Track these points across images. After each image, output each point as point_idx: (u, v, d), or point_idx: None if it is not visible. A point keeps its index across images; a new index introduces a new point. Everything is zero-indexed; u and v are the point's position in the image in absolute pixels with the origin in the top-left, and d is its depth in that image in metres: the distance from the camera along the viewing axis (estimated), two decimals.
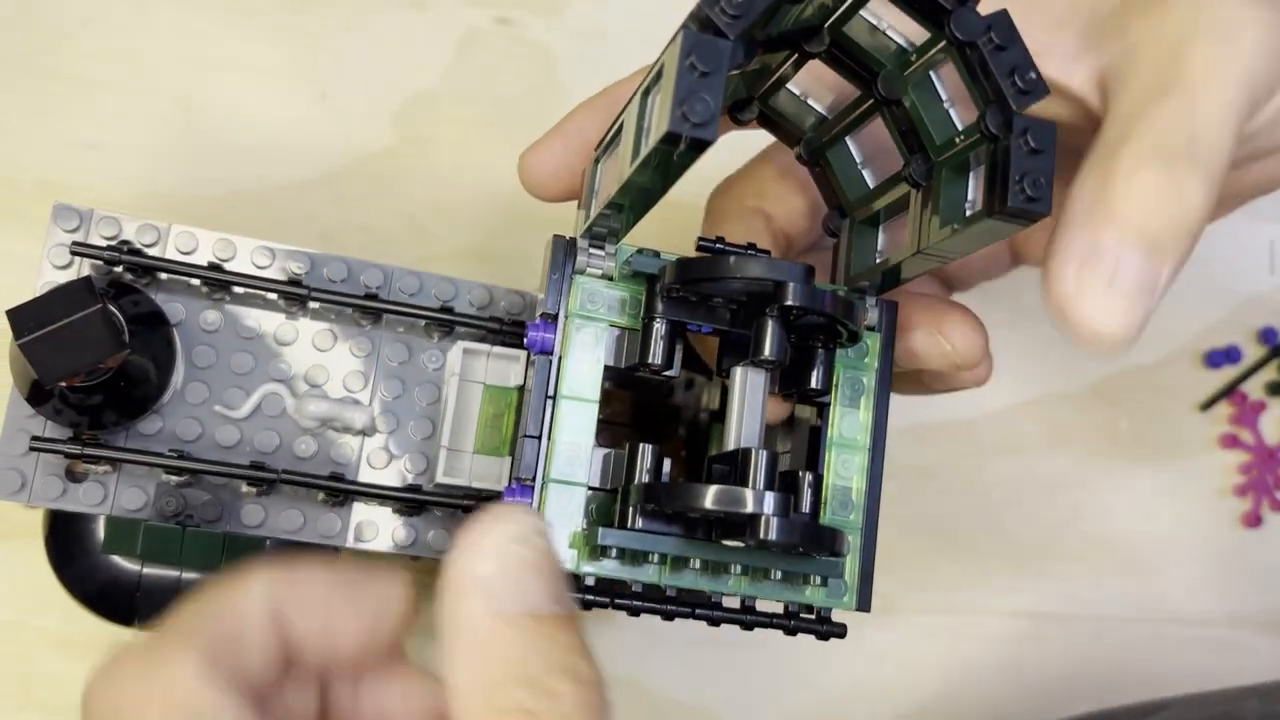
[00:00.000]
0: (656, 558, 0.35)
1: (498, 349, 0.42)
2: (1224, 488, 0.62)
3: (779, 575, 0.35)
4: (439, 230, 0.55)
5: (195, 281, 0.41)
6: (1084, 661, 0.58)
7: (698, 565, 0.35)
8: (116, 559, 0.41)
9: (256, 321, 0.42)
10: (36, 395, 0.38)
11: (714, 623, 0.36)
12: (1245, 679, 0.57)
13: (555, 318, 0.37)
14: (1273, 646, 0.60)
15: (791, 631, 0.36)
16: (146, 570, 0.41)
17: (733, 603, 0.36)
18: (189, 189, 0.52)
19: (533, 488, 0.36)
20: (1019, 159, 0.31)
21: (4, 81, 0.50)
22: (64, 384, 0.36)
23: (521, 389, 0.42)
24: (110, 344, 0.35)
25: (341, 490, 0.40)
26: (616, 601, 0.35)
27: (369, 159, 0.53)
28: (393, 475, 0.42)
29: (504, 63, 0.52)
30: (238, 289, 0.41)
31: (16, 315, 0.34)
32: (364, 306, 0.42)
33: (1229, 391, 0.63)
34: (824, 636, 0.37)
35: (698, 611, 0.36)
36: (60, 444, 0.38)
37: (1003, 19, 0.31)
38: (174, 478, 0.39)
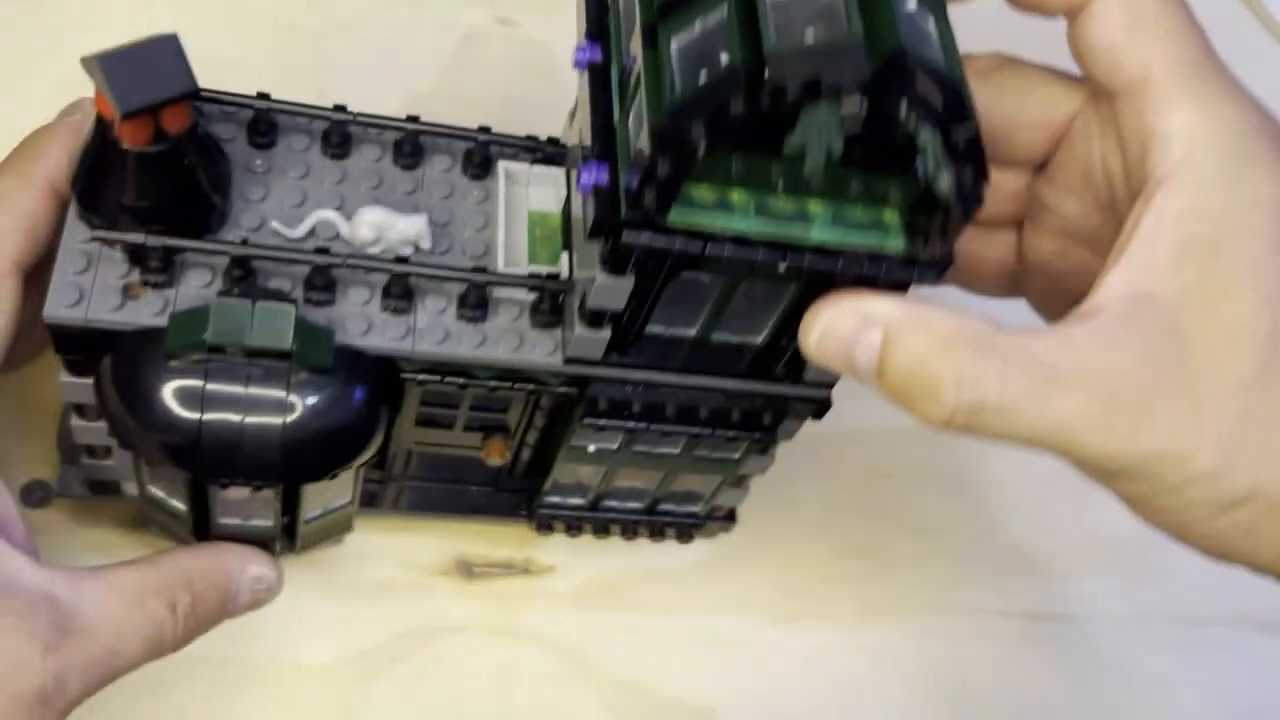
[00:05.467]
0: (738, 199, 0.36)
1: (538, 167, 0.44)
2: None
3: (859, 190, 0.36)
4: None
5: (240, 136, 0.43)
6: (1084, 661, 0.58)
7: (780, 206, 0.36)
8: (176, 410, 0.39)
9: (304, 164, 0.43)
10: (94, 197, 0.38)
11: (789, 274, 0.36)
12: (1245, 679, 0.57)
13: (597, 37, 0.39)
14: (1273, 646, 0.60)
15: None
16: (207, 416, 0.39)
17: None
18: None
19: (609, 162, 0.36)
20: (939, 220, 0.35)
21: (4, 82, 0.51)
22: (133, 144, 0.37)
23: (564, 213, 0.44)
24: (185, 77, 0.36)
25: (405, 274, 0.40)
26: (708, 251, 0.35)
27: None
28: (449, 293, 0.42)
29: (504, 63, 0.54)
30: (281, 140, 0.43)
31: (101, 55, 0.35)
32: (405, 128, 0.44)
33: None
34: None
35: (788, 256, 0.36)
36: (125, 234, 0.38)
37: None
38: (235, 290, 0.39)
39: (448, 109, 0.49)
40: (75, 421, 0.43)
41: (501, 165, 0.44)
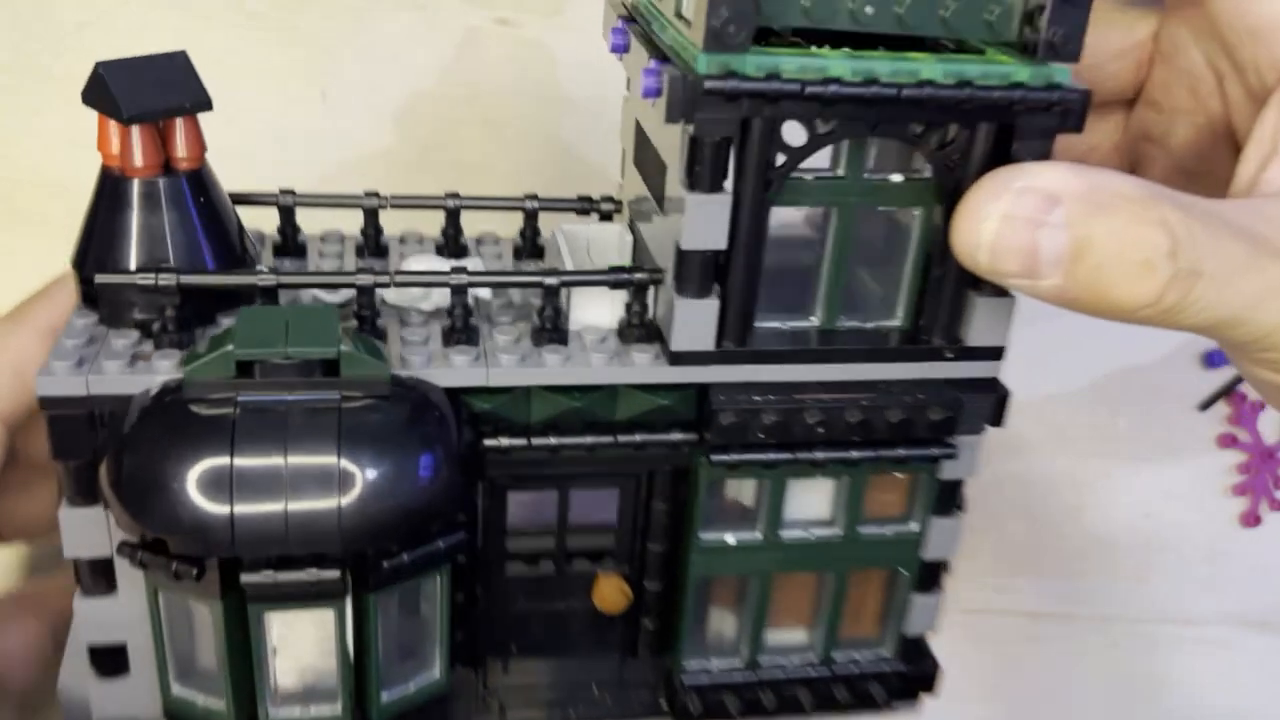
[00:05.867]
0: (827, 53, 0.31)
1: (597, 226, 0.40)
2: (1223, 487, 0.61)
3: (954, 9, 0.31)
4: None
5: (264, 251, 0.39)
6: (1083, 661, 0.58)
7: (874, 56, 0.31)
8: (199, 503, 0.30)
9: (338, 263, 0.39)
10: (98, 260, 0.33)
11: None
12: (1243, 679, 0.57)
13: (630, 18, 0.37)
14: (1272, 646, 0.59)
15: None
16: (240, 509, 0.30)
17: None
18: None
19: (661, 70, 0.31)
20: (1054, 9, 0.31)
21: (4, 83, 0.49)
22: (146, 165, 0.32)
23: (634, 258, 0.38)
24: (196, 90, 0.33)
25: (463, 286, 0.34)
26: (808, 90, 0.30)
27: (369, 159, 0.51)
28: (519, 327, 0.35)
29: (504, 63, 0.52)
30: (311, 249, 0.39)
31: (103, 63, 0.32)
32: (445, 206, 0.39)
33: (1228, 391, 0.62)
34: None
35: (903, 92, 0.30)
36: (132, 276, 0.32)
37: None
38: None
39: (448, 109, 0.48)
40: (79, 601, 0.34)
41: (559, 230, 0.39)
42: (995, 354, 0.36)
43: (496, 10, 0.50)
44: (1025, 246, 0.30)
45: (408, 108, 0.49)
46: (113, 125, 0.32)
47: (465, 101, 0.51)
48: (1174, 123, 0.38)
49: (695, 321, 0.33)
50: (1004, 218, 0.30)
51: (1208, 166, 0.37)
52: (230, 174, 0.52)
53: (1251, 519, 0.62)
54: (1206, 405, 0.62)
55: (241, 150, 0.53)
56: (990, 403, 0.36)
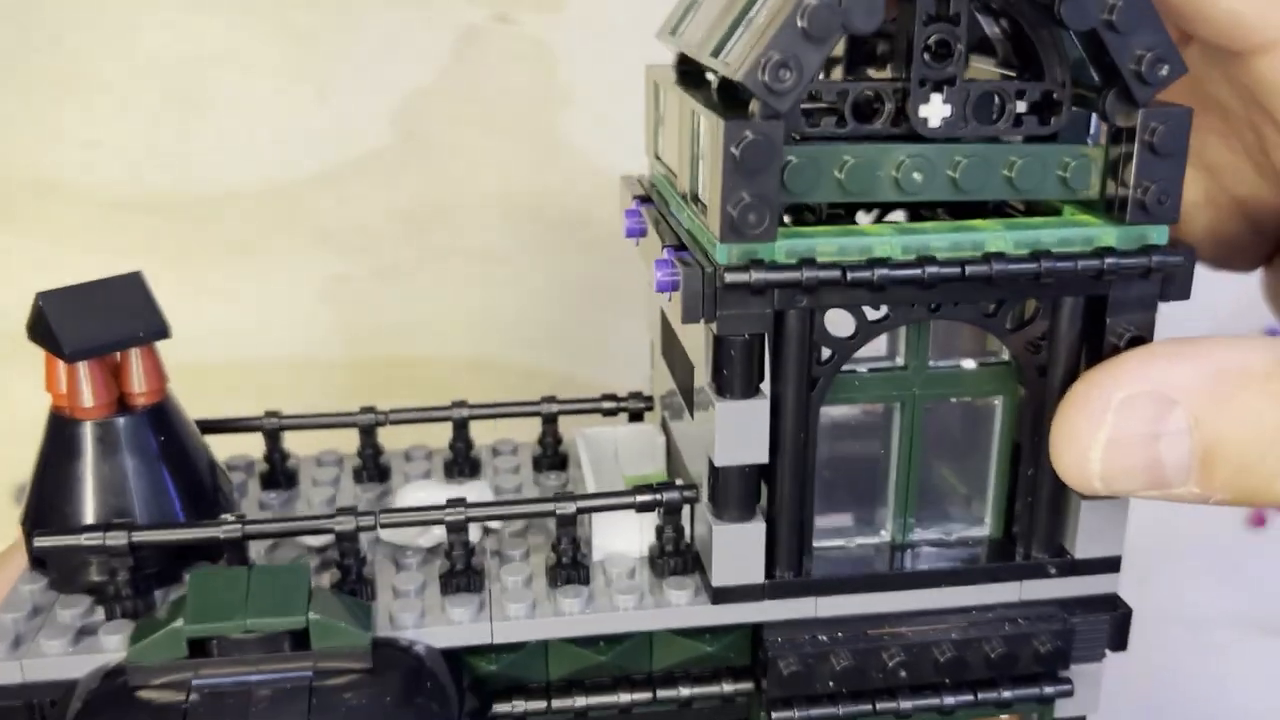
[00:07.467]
0: (871, 229, 0.26)
1: (625, 427, 0.35)
2: None
3: (1016, 169, 0.26)
4: (438, 228, 0.50)
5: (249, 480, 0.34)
6: None
7: (931, 230, 0.26)
8: None
9: (331, 491, 0.34)
10: (45, 518, 0.29)
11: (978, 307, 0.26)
12: (1248, 680, 0.56)
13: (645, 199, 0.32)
14: (1273, 647, 0.57)
15: None
16: None
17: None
18: (187, 187, 0.48)
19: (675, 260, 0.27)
20: (1142, 162, 0.26)
21: (1, 81, 0.47)
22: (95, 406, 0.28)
23: (669, 465, 0.33)
24: (152, 317, 0.29)
25: (461, 522, 0.28)
26: (851, 276, 0.24)
27: (368, 157, 0.49)
28: (533, 562, 0.30)
29: (503, 60, 0.50)
30: (303, 476, 0.35)
31: (44, 294, 0.28)
32: (448, 418, 0.35)
33: None
34: None
35: (968, 270, 0.25)
36: (82, 534, 0.27)
37: (1135, 4, 0.25)
38: None
39: (447, 106, 0.48)
40: None
41: (581, 436, 0.34)
42: (1111, 565, 0.29)
43: (496, 6, 0.48)
44: (1145, 464, 0.25)
45: (405, 105, 0.48)
46: (59, 364, 0.28)
47: (465, 99, 0.49)
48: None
49: (739, 550, 0.28)
50: (1110, 444, 0.25)
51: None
52: (229, 171, 0.49)
53: (1258, 519, 0.59)
54: None
55: (240, 146, 0.50)
56: (1110, 624, 0.30)
